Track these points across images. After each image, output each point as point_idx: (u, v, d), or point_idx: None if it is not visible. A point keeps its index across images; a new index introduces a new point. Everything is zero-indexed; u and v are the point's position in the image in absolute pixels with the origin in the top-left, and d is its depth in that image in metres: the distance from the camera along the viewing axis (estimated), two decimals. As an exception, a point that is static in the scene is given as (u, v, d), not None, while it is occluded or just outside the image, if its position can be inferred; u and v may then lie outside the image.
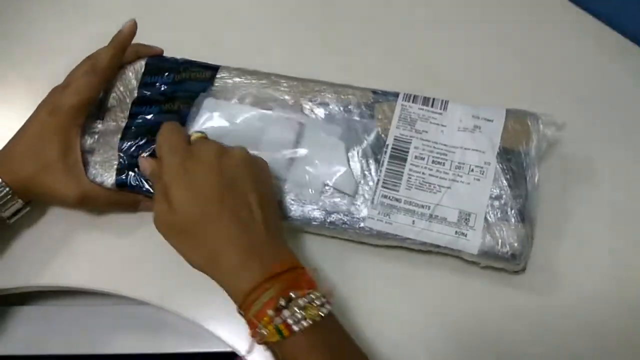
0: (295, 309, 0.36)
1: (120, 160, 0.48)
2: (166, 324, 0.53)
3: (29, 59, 0.59)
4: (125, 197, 0.49)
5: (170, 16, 0.60)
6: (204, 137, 0.45)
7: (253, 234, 0.39)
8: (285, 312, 0.36)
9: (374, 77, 0.52)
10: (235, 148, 0.43)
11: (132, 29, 0.49)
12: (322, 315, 0.37)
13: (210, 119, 0.49)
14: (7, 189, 0.45)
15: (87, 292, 0.50)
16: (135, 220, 0.50)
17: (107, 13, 0.60)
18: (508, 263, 0.45)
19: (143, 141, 0.49)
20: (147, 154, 0.48)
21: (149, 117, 0.50)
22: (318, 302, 0.37)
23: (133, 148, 0.49)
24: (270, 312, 0.36)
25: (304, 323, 0.36)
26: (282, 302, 0.36)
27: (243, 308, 0.37)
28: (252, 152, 0.45)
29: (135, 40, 0.51)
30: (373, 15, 0.60)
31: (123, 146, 0.49)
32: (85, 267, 0.50)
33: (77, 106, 0.47)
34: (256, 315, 0.36)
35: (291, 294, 0.36)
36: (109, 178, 0.48)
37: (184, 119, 0.49)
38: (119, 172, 0.48)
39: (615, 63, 0.56)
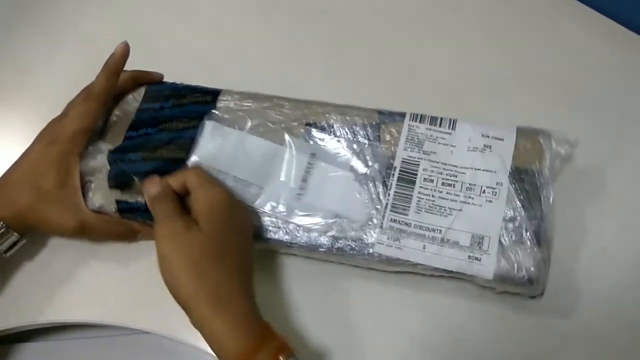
0: None
1: (111, 173, 0.47)
2: (172, 353, 0.51)
3: (24, 89, 0.58)
4: (124, 227, 0.47)
5: (165, 43, 0.59)
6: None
7: (252, 291, 0.41)
8: None
9: (378, 96, 0.51)
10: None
11: (124, 50, 0.48)
12: None
13: (215, 146, 0.48)
14: (1, 222, 0.44)
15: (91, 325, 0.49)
16: (135, 251, 0.49)
17: (104, 42, 0.59)
18: (525, 288, 0.43)
19: (136, 157, 0.47)
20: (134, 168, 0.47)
21: (144, 136, 0.48)
22: None
23: (124, 161, 0.47)
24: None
25: None
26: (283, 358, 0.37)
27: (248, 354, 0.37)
28: (256, 183, 0.47)
29: (131, 68, 0.50)
30: (374, 34, 0.59)
31: (114, 159, 0.47)
32: (87, 301, 0.48)
33: (75, 134, 0.46)
34: None
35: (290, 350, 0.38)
36: (110, 204, 0.47)
37: (180, 137, 0.48)
38: (114, 182, 0.46)
39: (624, 65, 0.55)
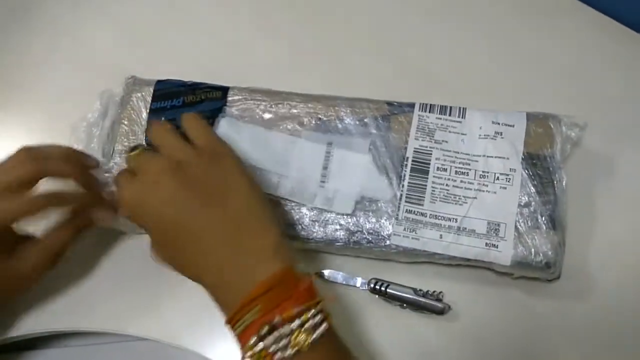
0: (279, 336, 0.33)
1: None
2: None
3: (20, 92, 0.57)
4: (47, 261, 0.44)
5: (163, 47, 0.58)
6: (142, 153, 0.42)
7: (234, 243, 0.37)
8: (268, 340, 0.33)
9: (384, 91, 0.50)
10: (179, 152, 0.40)
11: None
12: (313, 338, 0.33)
13: (230, 140, 0.47)
14: None
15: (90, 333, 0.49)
16: (134, 260, 0.49)
17: (101, 47, 0.59)
18: (543, 272, 0.44)
19: None
20: None
21: None
22: (309, 325, 0.34)
23: None
24: (253, 338, 0.33)
25: (290, 351, 0.33)
26: (264, 330, 0.33)
27: (231, 326, 0.35)
28: (276, 172, 0.46)
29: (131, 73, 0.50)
30: (379, 28, 0.58)
31: None
32: (84, 309, 0.48)
33: None
34: (239, 338, 0.34)
35: (276, 318, 0.33)
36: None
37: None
38: None
39: (625, 55, 0.55)
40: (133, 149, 0.43)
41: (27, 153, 0.42)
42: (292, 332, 0.33)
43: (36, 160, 0.42)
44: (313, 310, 0.34)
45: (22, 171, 0.41)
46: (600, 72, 0.54)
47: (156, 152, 0.41)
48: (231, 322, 0.35)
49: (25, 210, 0.41)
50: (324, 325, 0.34)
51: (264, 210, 0.39)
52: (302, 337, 0.33)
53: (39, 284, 0.45)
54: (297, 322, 0.33)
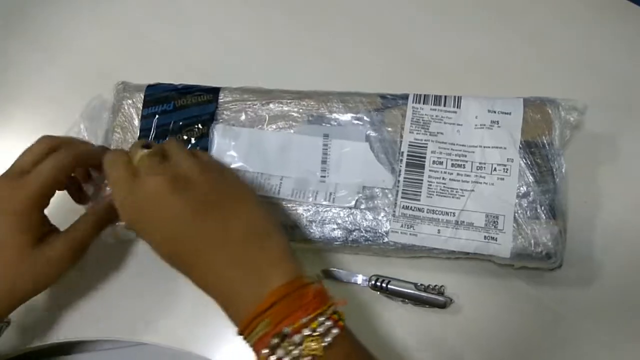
0: (290, 347, 0.32)
1: None
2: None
3: (19, 95, 0.57)
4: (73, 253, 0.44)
5: (155, 49, 0.57)
6: (147, 155, 0.39)
7: (241, 257, 0.36)
8: (280, 352, 0.32)
9: (379, 82, 0.50)
10: (185, 167, 0.39)
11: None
12: (327, 343, 0.33)
13: (228, 147, 0.47)
14: None
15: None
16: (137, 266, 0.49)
17: (94, 48, 0.58)
18: (543, 262, 0.43)
19: None
20: None
21: None
22: (322, 329, 0.33)
23: None
24: (264, 351, 0.33)
25: None
26: (275, 341, 0.33)
27: (243, 337, 0.35)
28: (276, 174, 0.46)
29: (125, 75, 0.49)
30: (369, 18, 0.57)
31: None
32: (91, 318, 0.48)
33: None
34: (254, 349, 0.34)
35: (285, 329, 0.33)
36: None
37: (193, 148, 0.48)
38: None
39: (627, 32, 0.53)
40: (146, 145, 0.40)
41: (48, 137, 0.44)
42: (303, 340, 0.32)
43: (57, 138, 0.44)
44: (323, 317, 0.33)
45: (45, 144, 0.43)
46: (601, 50, 0.52)
47: (164, 159, 0.40)
48: (243, 334, 0.34)
49: (63, 164, 0.42)
50: (335, 330, 0.33)
51: (268, 221, 0.38)
52: (314, 344, 0.32)
53: (58, 282, 0.44)
54: (307, 330, 0.33)
